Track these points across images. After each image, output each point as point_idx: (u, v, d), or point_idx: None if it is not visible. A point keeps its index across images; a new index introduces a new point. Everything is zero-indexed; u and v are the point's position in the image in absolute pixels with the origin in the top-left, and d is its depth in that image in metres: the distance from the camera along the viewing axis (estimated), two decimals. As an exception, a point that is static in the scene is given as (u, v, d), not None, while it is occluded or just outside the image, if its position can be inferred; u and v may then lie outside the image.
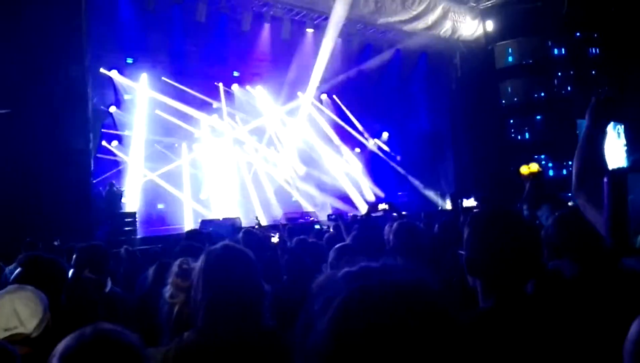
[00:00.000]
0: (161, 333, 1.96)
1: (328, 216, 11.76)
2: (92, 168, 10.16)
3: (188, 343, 1.75)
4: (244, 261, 1.86)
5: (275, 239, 4.71)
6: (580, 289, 1.98)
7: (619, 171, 1.45)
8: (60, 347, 1.21)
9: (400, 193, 17.11)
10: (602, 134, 1.74)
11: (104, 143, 13.19)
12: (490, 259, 1.49)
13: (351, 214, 9.89)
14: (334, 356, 0.70)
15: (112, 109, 13.46)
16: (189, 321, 1.79)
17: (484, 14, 17.27)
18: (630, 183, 1.40)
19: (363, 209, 14.06)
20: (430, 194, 17.46)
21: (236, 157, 16.08)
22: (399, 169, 17.99)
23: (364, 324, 0.69)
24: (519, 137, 17.01)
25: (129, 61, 13.63)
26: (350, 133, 17.83)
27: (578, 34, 16.46)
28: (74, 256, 3.39)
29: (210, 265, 1.82)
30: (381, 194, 16.79)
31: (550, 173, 15.42)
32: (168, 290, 1.95)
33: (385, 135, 18.60)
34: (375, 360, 0.68)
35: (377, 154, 18.36)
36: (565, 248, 2.32)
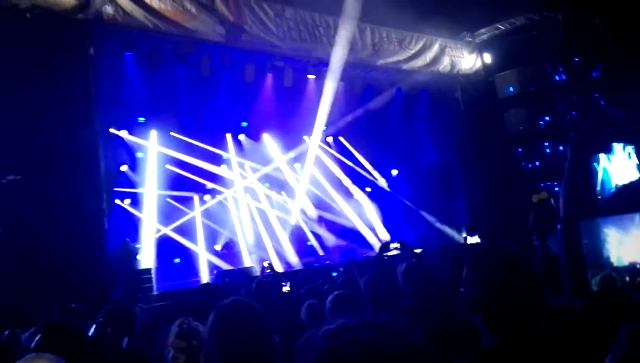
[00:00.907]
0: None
1: (340, 261, 11.72)
2: (105, 228, 10.26)
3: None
4: (253, 316, 1.88)
5: (286, 288, 4.70)
6: (586, 328, 1.97)
7: (570, 217, 1.48)
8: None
9: (412, 231, 17.01)
10: (587, 166, 1.77)
11: (117, 201, 13.37)
12: (487, 297, 1.51)
13: (365, 255, 9.84)
14: None
15: (124, 168, 13.72)
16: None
17: (481, 47, 17.58)
18: (584, 228, 1.42)
19: (377, 249, 13.96)
20: (445, 229, 17.33)
21: (248, 206, 16.18)
22: (410, 204, 17.94)
23: None
24: (529, 165, 16.98)
25: (141, 120, 13.97)
26: (359, 173, 17.92)
27: (576, 59, 16.66)
28: (100, 316, 3.44)
29: (220, 321, 1.84)
30: (393, 233, 16.70)
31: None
32: (169, 352, 1.96)
33: (394, 173, 18.65)
34: None
35: (388, 193, 18.35)
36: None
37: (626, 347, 0.88)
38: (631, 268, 1.41)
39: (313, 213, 16.97)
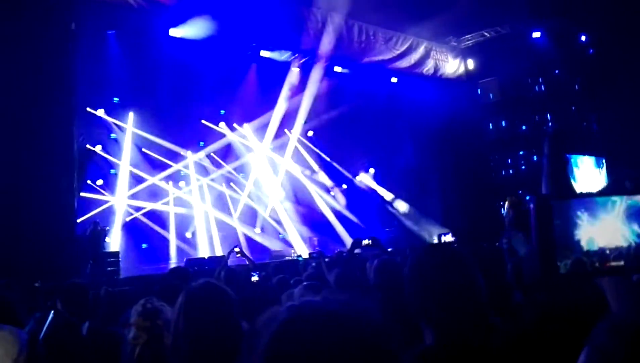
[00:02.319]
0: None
1: (310, 253, 11.73)
2: (75, 208, 10.06)
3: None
4: (223, 299, 1.86)
5: (255, 278, 4.68)
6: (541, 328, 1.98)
7: (543, 197, 1.49)
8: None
9: (387, 229, 17.11)
10: (563, 160, 1.80)
11: (88, 181, 13.12)
12: (425, 296, 1.49)
13: (336, 250, 9.86)
14: None
15: (98, 148, 13.46)
16: (152, 362, 1.77)
17: (465, 53, 17.77)
18: (557, 209, 1.43)
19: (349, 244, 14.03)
20: (418, 229, 17.48)
21: (223, 195, 16.07)
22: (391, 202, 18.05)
23: (293, 351, 0.71)
24: (503, 172, 17.28)
25: (115, 100, 13.74)
26: (336, 169, 17.94)
27: (557, 71, 16.98)
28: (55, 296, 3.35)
29: (190, 302, 1.82)
30: (367, 231, 16.79)
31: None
32: (131, 331, 1.93)
33: (372, 171, 18.73)
34: None
35: (364, 191, 18.43)
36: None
37: (608, 342, 0.89)
38: (601, 253, 1.43)
39: (287, 205, 16.95)
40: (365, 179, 18.53)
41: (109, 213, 13.35)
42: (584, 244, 1.46)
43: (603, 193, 1.55)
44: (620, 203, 1.50)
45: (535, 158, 16.31)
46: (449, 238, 11.97)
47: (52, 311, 3.14)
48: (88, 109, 12.87)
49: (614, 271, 1.44)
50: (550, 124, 16.46)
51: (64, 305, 3.40)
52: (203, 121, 15.52)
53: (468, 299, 1.50)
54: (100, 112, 13.47)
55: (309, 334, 0.73)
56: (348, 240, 16.01)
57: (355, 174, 18.49)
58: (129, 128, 13.91)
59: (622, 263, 1.47)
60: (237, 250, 6.02)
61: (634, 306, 1.38)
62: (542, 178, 1.91)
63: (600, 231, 1.47)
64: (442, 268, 1.53)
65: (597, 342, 0.91)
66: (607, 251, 1.46)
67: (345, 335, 0.73)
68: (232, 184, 16.48)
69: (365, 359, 0.72)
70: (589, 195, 1.52)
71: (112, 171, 13.83)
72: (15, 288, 6.04)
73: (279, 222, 16.71)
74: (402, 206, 17.54)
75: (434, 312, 1.46)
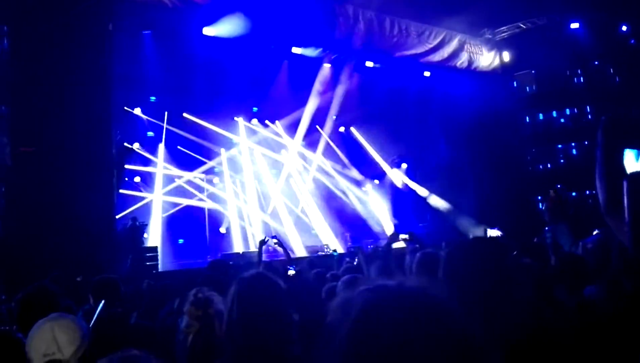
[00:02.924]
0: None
1: (347, 248, 11.70)
2: (115, 204, 10.31)
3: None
4: (275, 289, 1.89)
5: (292, 272, 4.70)
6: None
7: (638, 174, 1.43)
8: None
9: (421, 224, 16.96)
10: (618, 151, 1.72)
11: (127, 178, 13.45)
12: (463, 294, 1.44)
13: (371, 246, 9.84)
14: (353, 356, 0.71)
15: (136, 145, 13.76)
16: (204, 350, 1.81)
17: (500, 45, 17.40)
18: None
19: (384, 240, 13.97)
20: (454, 223, 17.25)
21: (257, 191, 16.22)
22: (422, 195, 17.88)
23: (381, 332, 0.70)
24: (541, 166, 16.89)
25: (152, 99, 14.02)
26: (369, 165, 17.88)
27: (596, 62, 16.48)
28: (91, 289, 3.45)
29: (243, 291, 1.85)
30: (402, 226, 16.68)
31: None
32: (184, 320, 1.97)
33: (404, 166, 18.58)
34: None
35: (396, 186, 18.32)
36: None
37: None
38: None
39: (319, 201, 16.99)
40: (397, 175, 18.39)
41: (146, 209, 13.64)
42: None
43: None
44: None
45: (574, 151, 15.88)
46: (495, 232, 11.70)
47: (102, 303, 3.24)
48: (125, 108, 13.17)
49: None
50: (589, 117, 15.99)
51: (95, 299, 3.51)
52: (236, 118, 15.68)
53: (507, 294, 1.45)
54: (137, 111, 13.76)
55: (394, 317, 0.72)
56: (381, 236, 15.95)
57: (390, 168, 18.38)
58: (165, 126, 14.17)
59: None
60: (274, 241, 6.03)
61: None
62: (596, 169, 1.84)
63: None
64: (480, 261, 1.48)
65: None
66: None
67: (431, 318, 0.72)
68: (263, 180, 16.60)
69: (452, 343, 0.71)
70: None
71: (150, 168, 14.12)
72: (61, 282, 6.26)
73: (312, 217, 16.77)
74: (437, 201, 17.35)
75: (471, 307, 1.42)
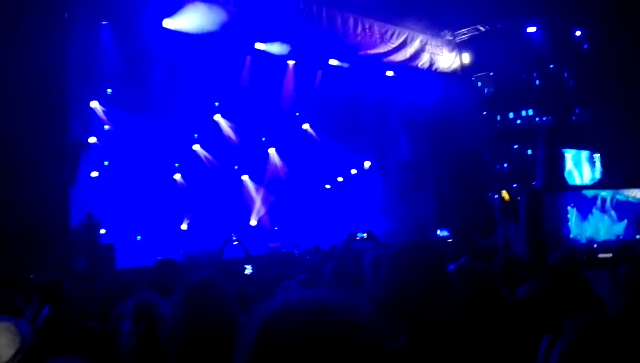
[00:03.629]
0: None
1: (306, 248, 11.78)
2: (69, 199, 10.03)
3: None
4: (221, 294, 1.88)
5: (248, 270, 4.70)
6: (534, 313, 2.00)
7: (534, 190, 1.50)
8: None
9: (383, 223, 17.13)
10: (557, 154, 1.80)
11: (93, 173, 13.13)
12: (397, 294, 1.47)
13: (332, 245, 9.90)
14: None
15: (92, 139, 13.37)
16: (146, 354, 1.79)
17: (460, 47, 17.77)
18: (548, 202, 1.45)
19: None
20: (413, 223, 17.51)
21: (217, 186, 16.06)
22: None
23: (280, 343, 0.72)
24: (497, 166, 17.36)
25: (109, 91, 13.66)
26: (331, 163, 17.94)
27: (552, 66, 17.02)
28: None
29: (188, 297, 1.83)
30: (364, 224, 16.81)
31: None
32: (128, 324, 1.95)
33: (367, 164, 18.75)
34: None
35: (359, 184, 18.46)
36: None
37: (577, 337, 0.91)
38: (589, 246, 1.45)
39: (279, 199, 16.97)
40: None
41: (103, 205, 13.30)
42: (573, 237, 1.48)
43: (593, 186, 1.57)
44: (609, 198, 1.52)
45: (529, 151, 16.37)
46: (444, 233, 11.98)
47: (47, 305, 3.16)
48: (82, 101, 12.77)
49: (601, 263, 1.46)
50: (544, 118, 16.51)
51: (41, 300, 3.43)
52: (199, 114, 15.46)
53: (437, 298, 1.48)
54: (95, 104, 13.38)
55: (296, 327, 0.74)
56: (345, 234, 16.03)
57: (351, 167, 18.51)
58: (123, 119, 13.83)
59: (609, 255, 1.49)
60: (234, 238, 6.01)
61: (620, 297, 1.41)
62: (536, 172, 1.91)
63: (589, 225, 1.49)
64: (411, 267, 1.51)
65: (568, 337, 0.93)
66: (595, 245, 1.48)
67: (332, 329, 0.73)
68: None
69: (352, 352, 0.73)
70: (579, 188, 1.54)
71: (106, 163, 13.76)
72: (12, 281, 6.06)
73: (274, 215, 16.74)
74: None
75: (406, 312, 1.44)
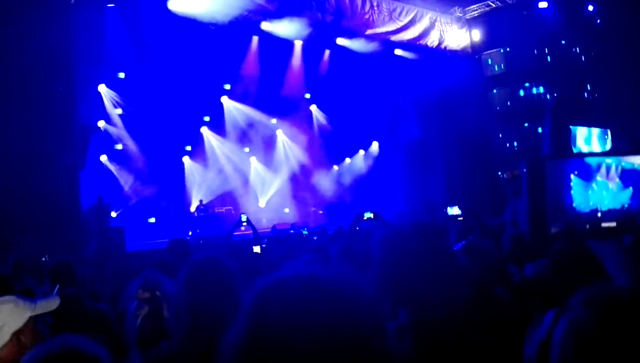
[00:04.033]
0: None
1: (313, 228, 11.80)
2: (79, 183, 10.11)
3: (168, 353, 1.76)
4: (224, 272, 1.88)
5: (257, 249, 4.71)
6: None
7: (536, 157, 1.46)
8: (26, 358, 1.22)
9: (392, 203, 17.11)
10: (565, 129, 1.76)
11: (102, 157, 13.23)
12: (400, 273, 1.45)
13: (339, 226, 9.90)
14: (249, 343, 0.73)
15: (101, 123, 13.42)
16: (152, 332, 1.80)
17: (470, 23, 17.48)
18: (550, 171, 1.40)
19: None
20: (423, 203, 17.47)
21: (226, 168, 16.10)
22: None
23: (274, 311, 0.72)
24: (507, 144, 17.18)
25: (121, 75, 13.63)
26: (340, 143, 17.88)
27: (563, 42, 16.69)
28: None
29: (192, 276, 1.84)
30: (372, 205, 16.81)
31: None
32: (133, 303, 1.96)
33: (375, 145, 18.67)
34: (287, 347, 0.70)
35: (368, 164, 18.42)
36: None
37: (584, 313, 0.89)
38: (593, 215, 1.42)
39: (288, 181, 16.97)
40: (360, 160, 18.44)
41: (115, 188, 13.41)
42: (577, 206, 1.45)
43: (597, 153, 1.54)
44: (614, 166, 1.48)
45: (540, 130, 16.16)
46: (455, 211, 11.85)
47: (58, 286, 3.20)
48: (90, 85, 12.78)
49: (606, 233, 1.43)
50: (555, 95, 16.26)
51: (52, 282, 3.47)
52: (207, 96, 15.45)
53: (438, 277, 1.46)
54: (102, 88, 13.37)
55: (289, 296, 0.74)
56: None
57: (359, 148, 18.44)
58: (133, 103, 13.84)
59: (614, 224, 1.45)
60: (244, 218, 6.00)
61: (626, 269, 1.38)
62: (543, 147, 1.88)
63: (593, 193, 1.46)
64: (411, 247, 1.49)
65: (573, 313, 0.91)
66: (599, 214, 1.45)
67: (323, 297, 0.74)
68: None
69: (346, 328, 0.72)
70: (583, 155, 1.50)
71: (117, 146, 13.82)
72: (25, 263, 6.16)
73: (283, 196, 16.79)
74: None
75: (407, 290, 1.43)
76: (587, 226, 1.43)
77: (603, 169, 1.44)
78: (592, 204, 1.45)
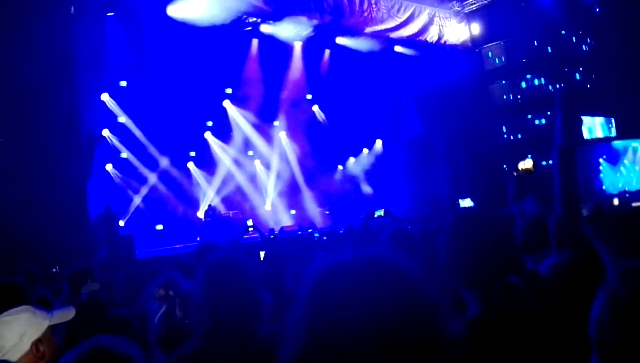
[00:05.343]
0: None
1: (322, 229, 11.81)
2: (87, 192, 10.15)
3: (191, 352, 1.77)
4: (241, 271, 1.89)
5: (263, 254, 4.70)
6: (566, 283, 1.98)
7: (567, 144, 1.48)
8: (61, 360, 1.23)
9: (397, 200, 17.11)
10: (577, 120, 1.77)
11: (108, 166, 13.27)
12: (469, 261, 1.48)
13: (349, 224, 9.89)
14: (312, 322, 0.73)
15: (105, 132, 13.47)
16: (170, 331, 1.81)
17: (469, 17, 17.47)
18: (579, 156, 1.42)
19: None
20: (428, 199, 17.45)
21: (231, 172, 16.12)
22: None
23: (337, 290, 0.73)
24: (512, 137, 17.15)
25: (123, 84, 13.67)
26: (344, 143, 17.88)
27: (563, 32, 16.66)
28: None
29: (211, 272, 1.85)
30: (379, 202, 16.80)
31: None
32: (155, 304, 1.98)
33: (379, 143, 18.66)
34: (349, 327, 0.70)
35: (372, 162, 18.42)
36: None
37: (619, 287, 0.90)
38: (622, 196, 1.44)
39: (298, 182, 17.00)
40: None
41: (122, 196, 13.46)
42: (606, 188, 1.47)
43: (623, 137, 1.55)
44: None
45: (543, 121, 16.13)
46: (468, 202, 11.81)
47: (82, 292, 3.21)
48: (93, 94, 12.83)
49: (636, 212, 1.44)
50: (557, 86, 16.22)
51: (72, 289, 3.48)
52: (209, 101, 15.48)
53: (506, 262, 1.50)
54: (105, 97, 13.42)
55: (350, 281, 0.75)
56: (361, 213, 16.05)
57: (363, 146, 18.45)
58: (136, 111, 13.89)
59: None
60: (250, 223, 6.02)
61: None
62: (555, 137, 1.89)
63: (621, 175, 1.47)
64: (483, 232, 1.51)
65: (609, 287, 0.91)
66: (627, 195, 1.46)
67: (389, 281, 0.75)
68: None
69: (407, 309, 0.73)
70: (610, 139, 1.52)
71: (122, 154, 13.87)
72: (35, 274, 6.17)
73: (289, 197, 16.80)
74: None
75: (478, 277, 1.46)
76: (615, 202, 1.45)
77: (630, 153, 1.45)
78: (621, 186, 1.47)
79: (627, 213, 1.47)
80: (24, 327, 1.85)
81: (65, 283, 3.86)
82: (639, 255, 1.32)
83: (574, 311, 1.47)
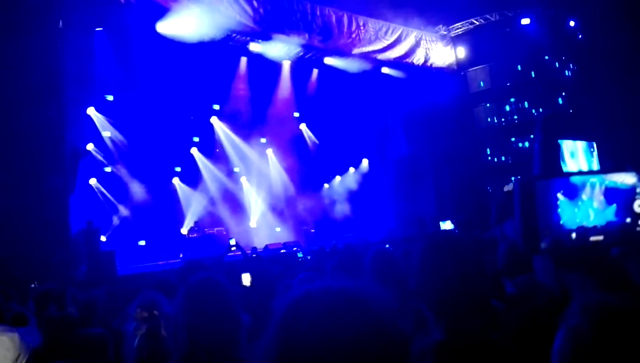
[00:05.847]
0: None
1: (307, 248, 11.78)
2: (69, 207, 10.03)
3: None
4: (222, 293, 1.88)
5: (246, 279, 4.66)
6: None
7: (527, 179, 1.51)
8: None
9: (383, 221, 17.15)
10: (555, 145, 1.81)
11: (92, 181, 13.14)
12: (439, 288, 1.47)
13: (333, 242, 9.90)
14: (280, 350, 0.74)
15: (90, 146, 13.37)
16: (150, 352, 1.79)
17: (455, 41, 17.79)
18: (539, 191, 1.46)
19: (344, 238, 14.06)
20: (413, 219, 17.52)
21: (217, 189, 16.04)
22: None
23: (305, 322, 0.74)
24: (496, 159, 17.37)
25: (109, 98, 13.62)
26: (330, 162, 17.93)
27: (546, 57, 17.02)
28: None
29: (190, 296, 1.84)
30: (365, 223, 16.83)
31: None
32: (132, 324, 1.96)
33: (365, 162, 18.76)
34: (317, 358, 0.71)
35: (358, 182, 18.47)
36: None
37: (581, 322, 0.91)
38: (580, 231, 1.47)
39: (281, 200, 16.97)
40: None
41: (105, 211, 13.31)
42: (564, 223, 1.50)
43: (581, 173, 1.59)
44: (598, 184, 1.54)
45: (527, 144, 16.37)
46: (448, 225, 11.87)
47: (47, 313, 3.16)
48: (79, 108, 12.76)
49: (593, 246, 1.47)
50: (540, 110, 16.51)
51: (38, 309, 3.43)
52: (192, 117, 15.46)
53: (476, 289, 1.49)
54: (91, 111, 13.35)
55: (319, 313, 0.75)
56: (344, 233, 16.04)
57: (349, 165, 18.52)
58: (121, 125, 13.81)
59: (601, 237, 1.51)
60: (232, 242, 6.00)
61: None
62: (533, 163, 1.93)
63: (579, 211, 1.51)
64: (454, 258, 1.51)
65: (571, 323, 0.93)
66: (585, 230, 1.50)
67: (352, 307, 0.76)
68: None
69: (374, 340, 0.74)
70: (568, 174, 1.56)
71: (106, 168, 13.75)
72: (11, 290, 6.05)
73: (275, 214, 16.75)
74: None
75: (446, 304, 1.45)
76: (573, 236, 1.49)
77: (588, 188, 1.50)
78: (579, 221, 1.51)
79: (585, 247, 1.50)
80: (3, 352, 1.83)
81: (30, 301, 3.80)
82: (598, 289, 1.35)
83: (536, 342, 1.48)
